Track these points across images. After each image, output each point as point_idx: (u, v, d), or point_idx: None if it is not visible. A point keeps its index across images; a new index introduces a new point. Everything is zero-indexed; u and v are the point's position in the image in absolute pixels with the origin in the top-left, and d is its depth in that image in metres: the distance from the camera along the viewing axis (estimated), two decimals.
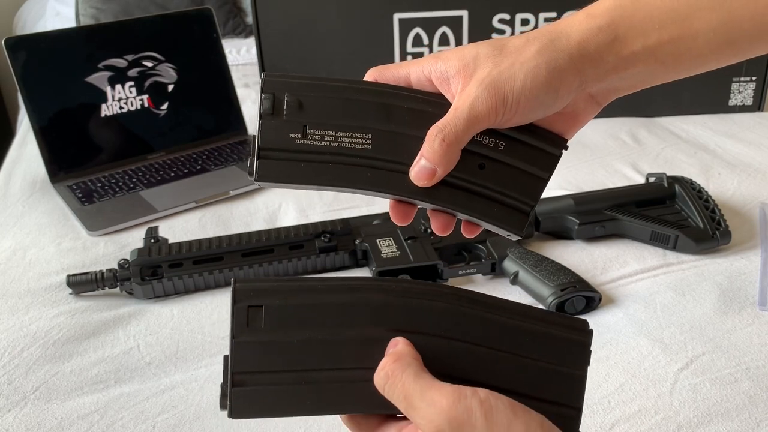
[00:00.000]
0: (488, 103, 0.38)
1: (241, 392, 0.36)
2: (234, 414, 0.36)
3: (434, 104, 0.40)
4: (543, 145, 0.41)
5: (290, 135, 0.40)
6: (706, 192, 0.88)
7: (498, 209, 0.41)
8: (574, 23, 0.39)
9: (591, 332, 0.39)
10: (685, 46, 0.38)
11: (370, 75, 0.42)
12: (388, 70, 0.42)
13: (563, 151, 0.42)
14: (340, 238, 0.81)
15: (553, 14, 1.19)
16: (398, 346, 0.36)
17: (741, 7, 0.37)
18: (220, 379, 0.65)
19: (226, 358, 0.36)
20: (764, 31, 0.38)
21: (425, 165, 0.39)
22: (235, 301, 0.37)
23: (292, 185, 0.40)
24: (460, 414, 0.32)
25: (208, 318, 0.74)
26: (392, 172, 0.40)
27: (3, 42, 1.02)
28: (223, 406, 0.36)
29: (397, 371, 0.35)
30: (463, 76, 0.39)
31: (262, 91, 0.40)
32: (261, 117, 0.40)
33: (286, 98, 0.40)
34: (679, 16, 0.38)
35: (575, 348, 0.38)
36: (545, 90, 0.38)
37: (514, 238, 0.43)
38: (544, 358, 0.38)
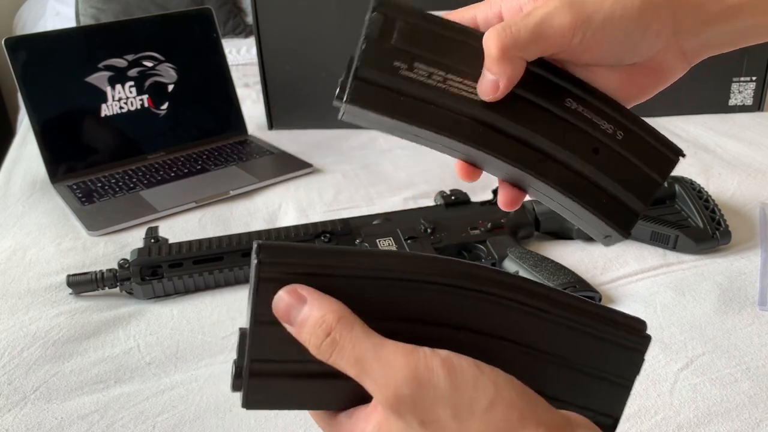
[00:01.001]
0: (565, 19, 0.33)
1: (259, 382, 0.32)
2: (249, 406, 0.32)
3: None
4: (660, 147, 0.38)
5: (395, 63, 0.35)
6: (706, 192, 0.88)
7: (607, 202, 0.37)
8: None
9: (648, 338, 0.35)
10: None
11: None
12: (451, 15, 0.38)
13: (680, 158, 0.38)
14: (340, 238, 0.81)
15: None
16: (313, 298, 0.30)
17: None
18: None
19: (243, 334, 0.31)
20: None
21: (487, 76, 0.35)
22: (258, 278, 0.30)
23: (385, 117, 0.35)
24: (420, 373, 0.28)
25: (208, 318, 0.74)
26: (500, 134, 0.36)
27: (3, 42, 1.02)
28: (236, 388, 0.32)
29: (344, 333, 0.30)
30: None
31: (373, 10, 0.35)
32: (366, 36, 0.35)
33: (398, 23, 0.35)
34: None
35: (627, 354, 0.35)
36: (635, 23, 0.34)
37: (615, 241, 0.38)
38: (590, 362, 0.34)
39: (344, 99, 0.35)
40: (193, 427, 0.60)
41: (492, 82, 0.35)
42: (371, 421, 0.31)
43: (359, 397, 0.31)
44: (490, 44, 0.34)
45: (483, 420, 0.28)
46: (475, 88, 0.36)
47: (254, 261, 0.30)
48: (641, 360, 0.35)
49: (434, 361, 0.29)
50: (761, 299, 0.74)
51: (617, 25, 0.34)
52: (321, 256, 0.31)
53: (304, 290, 0.30)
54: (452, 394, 0.28)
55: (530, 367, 0.32)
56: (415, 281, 0.32)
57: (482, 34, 0.35)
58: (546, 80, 0.36)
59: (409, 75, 0.35)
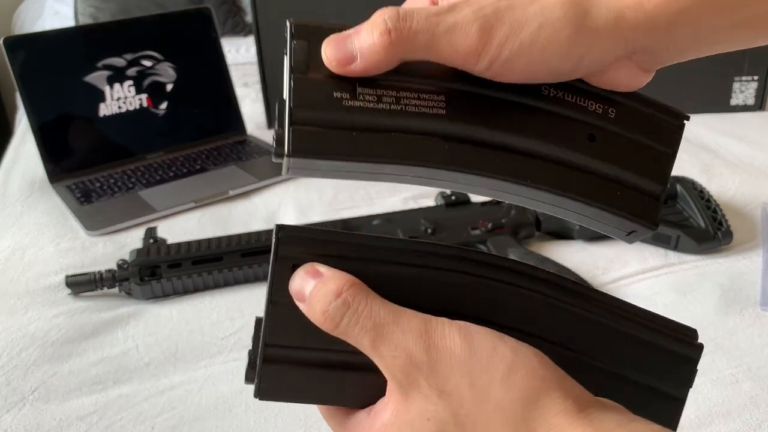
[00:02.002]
0: (471, 39, 0.27)
1: (274, 370, 0.30)
2: (261, 395, 0.31)
3: None
4: (660, 114, 0.32)
5: (335, 94, 0.29)
6: (708, 192, 0.88)
7: (623, 194, 0.31)
8: None
9: (701, 347, 0.33)
10: None
11: None
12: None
13: (685, 122, 0.33)
14: None
15: None
16: (329, 271, 0.29)
17: None
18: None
19: (258, 321, 0.30)
20: None
21: (347, 43, 0.28)
22: (276, 256, 0.30)
23: (340, 161, 0.29)
24: (437, 340, 0.28)
25: (207, 318, 0.74)
26: (476, 146, 0.30)
27: (2, 41, 1.02)
28: (248, 379, 0.31)
29: (359, 297, 0.28)
30: None
31: (293, 37, 0.30)
32: (292, 71, 0.29)
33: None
34: None
35: (678, 363, 0.32)
36: (561, 55, 0.28)
37: (640, 235, 0.33)
38: (637, 368, 0.32)
39: (286, 152, 0.29)
40: (192, 428, 0.59)
41: (349, 54, 0.28)
42: (387, 409, 0.29)
43: (380, 392, 0.30)
44: (379, 22, 0.28)
45: (502, 387, 0.27)
46: (435, 100, 0.30)
47: (274, 239, 0.30)
48: (694, 371, 0.32)
49: (451, 328, 0.28)
50: (763, 299, 0.74)
51: (536, 57, 0.27)
52: (342, 239, 0.30)
53: (322, 268, 0.29)
54: (468, 360, 0.27)
55: (574, 370, 0.29)
56: (442, 270, 0.30)
57: None
58: None
59: (355, 104, 0.29)
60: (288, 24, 0.30)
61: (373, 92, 0.30)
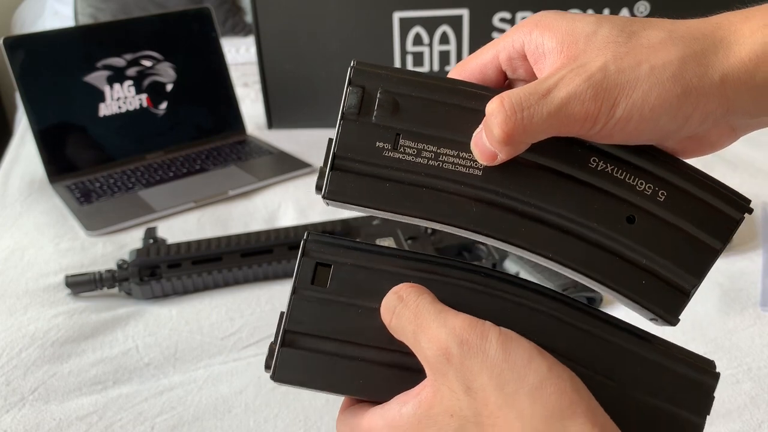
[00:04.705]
0: (588, 107, 0.28)
1: (290, 354, 0.32)
2: (276, 377, 0.32)
3: None
4: (716, 202, 0.31)
5: (377, 144, 0.31)
6: None
7: (647, 282, 0.31)
8: (746, 32, 0.28)
9: (717, 375, 0.33)
10: None
11: (453, 75, 0.34)
12: (470, 61, 0.33)
13: (745, 215, 0.32)
14: None
15: None
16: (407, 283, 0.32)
17: None
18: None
19: (282, 314, 0.33)
20: None
21: (486, 145, 0.30)
22: (303, 253, 0.33)
23: (369, 209, 0.32)
24: (473, 337, 0.29)
25: (207, 318, 0.74)
26: (505, 211, 0.31)
27: (1, 41, 1.02)
28: (267, 366, 0.33)
29: (411, 294, 0.31)
30: (565, 55, 0.30)
31: (350, 82, 0.32)
32: (343, 116, 0.31)
33: (378, 95, 0.32)
34: None
35: (696, 390, 0.32)
36: (670, 114, 0.28)
37: (662, 324, 0.33)
38: (657, 394, 0.32)
39: (322, 193, 0.32)
40: (191, 428, 0.59)
41: (490, 152, 0.30)
42: (413, 401, 0.30)
43: (394, 388, 0.32)
44: (494, 124, 0.29)
45: (529, 398, 0.27)
46: (473, 161, 0.31)
47: (302, 241, 0.34)
48: (711, 398, 0.33)
49: (492, 331, 0.29)
50: (763, 300, 0.74)
51: (647, 116, 0.28)
52: (360, 247, 0.34)
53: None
54: (501, 363, 0.28)
55: (599, 395, 0.30)
56: (496, 291, 0.32)
57: (479, 92, 0.31)
58: (561, 137, 0.30)
59: (394, 155, 0.31)
60: (349, 67, 0.32)
61: (414, 145, 0.31)
